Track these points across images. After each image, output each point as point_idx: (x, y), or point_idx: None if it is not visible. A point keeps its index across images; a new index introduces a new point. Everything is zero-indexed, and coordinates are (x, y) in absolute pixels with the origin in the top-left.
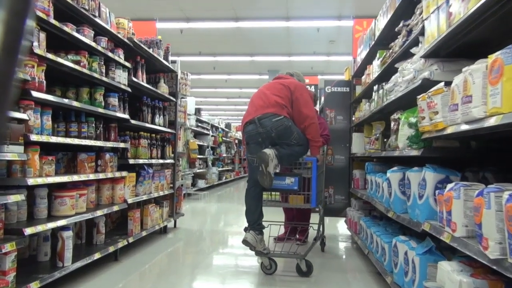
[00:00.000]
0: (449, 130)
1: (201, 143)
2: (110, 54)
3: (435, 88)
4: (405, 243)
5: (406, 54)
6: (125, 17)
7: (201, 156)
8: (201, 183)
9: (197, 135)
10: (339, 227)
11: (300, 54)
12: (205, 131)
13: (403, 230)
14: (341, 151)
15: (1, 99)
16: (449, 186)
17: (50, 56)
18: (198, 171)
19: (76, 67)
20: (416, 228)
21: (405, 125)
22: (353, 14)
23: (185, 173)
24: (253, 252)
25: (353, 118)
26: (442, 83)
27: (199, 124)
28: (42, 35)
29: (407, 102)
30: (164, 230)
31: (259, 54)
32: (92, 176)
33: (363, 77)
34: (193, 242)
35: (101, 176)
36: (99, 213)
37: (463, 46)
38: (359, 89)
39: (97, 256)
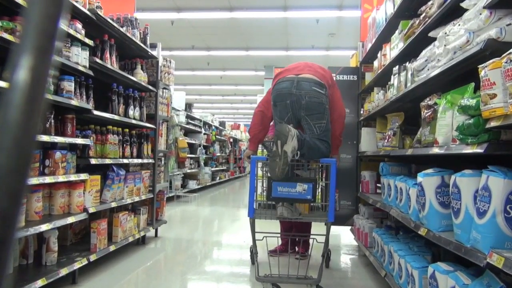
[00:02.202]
0: None
1: (192, 142)
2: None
3: None
4: (449, 275)
5: (444, 20)
6: None
7: (192, 156)
8: (192, 184)
9: (188, 133)
10: (342, 234)
11: (298, 48)
12: (197, 129)
13: (430, 246)
14: (348, 149)
15: (37, 98)
16: None
17: None
18: (188, 171)
19: (9, 37)
20: (474, 259)
21: (447, 111)
22: None
23: (174, 173)
24: (250, 264)
25: (362, 111)
26: None
27: (190, 121)
28: None
29: (445, 83)
30: (142, 241)
31: (255, 48)
32: (34, 181)
33: (376, 61)
34: (176, 254)
35: (48, 180)
36: (43, 228)
37: None
38: (368, 77)
39: (40, 283)
